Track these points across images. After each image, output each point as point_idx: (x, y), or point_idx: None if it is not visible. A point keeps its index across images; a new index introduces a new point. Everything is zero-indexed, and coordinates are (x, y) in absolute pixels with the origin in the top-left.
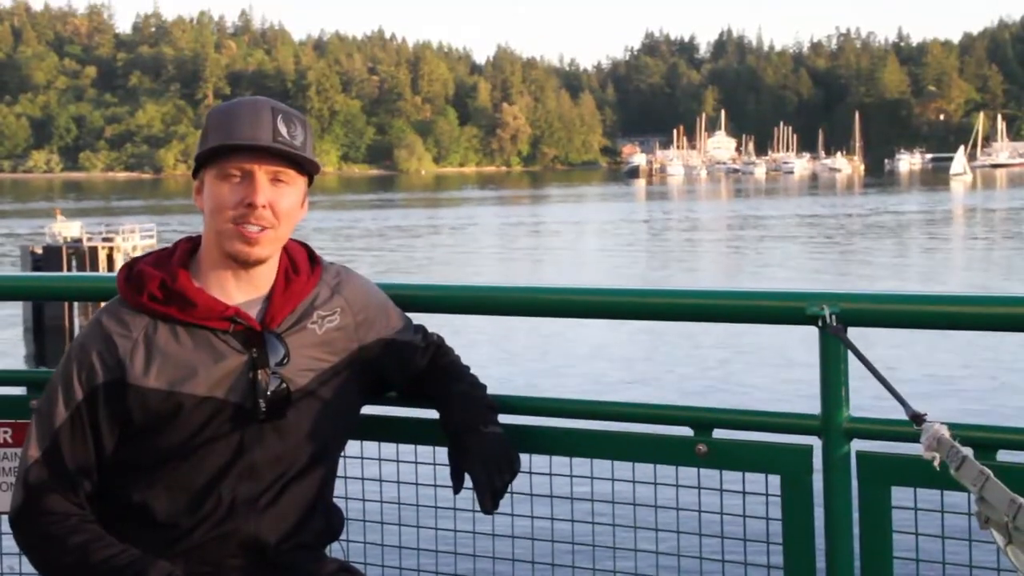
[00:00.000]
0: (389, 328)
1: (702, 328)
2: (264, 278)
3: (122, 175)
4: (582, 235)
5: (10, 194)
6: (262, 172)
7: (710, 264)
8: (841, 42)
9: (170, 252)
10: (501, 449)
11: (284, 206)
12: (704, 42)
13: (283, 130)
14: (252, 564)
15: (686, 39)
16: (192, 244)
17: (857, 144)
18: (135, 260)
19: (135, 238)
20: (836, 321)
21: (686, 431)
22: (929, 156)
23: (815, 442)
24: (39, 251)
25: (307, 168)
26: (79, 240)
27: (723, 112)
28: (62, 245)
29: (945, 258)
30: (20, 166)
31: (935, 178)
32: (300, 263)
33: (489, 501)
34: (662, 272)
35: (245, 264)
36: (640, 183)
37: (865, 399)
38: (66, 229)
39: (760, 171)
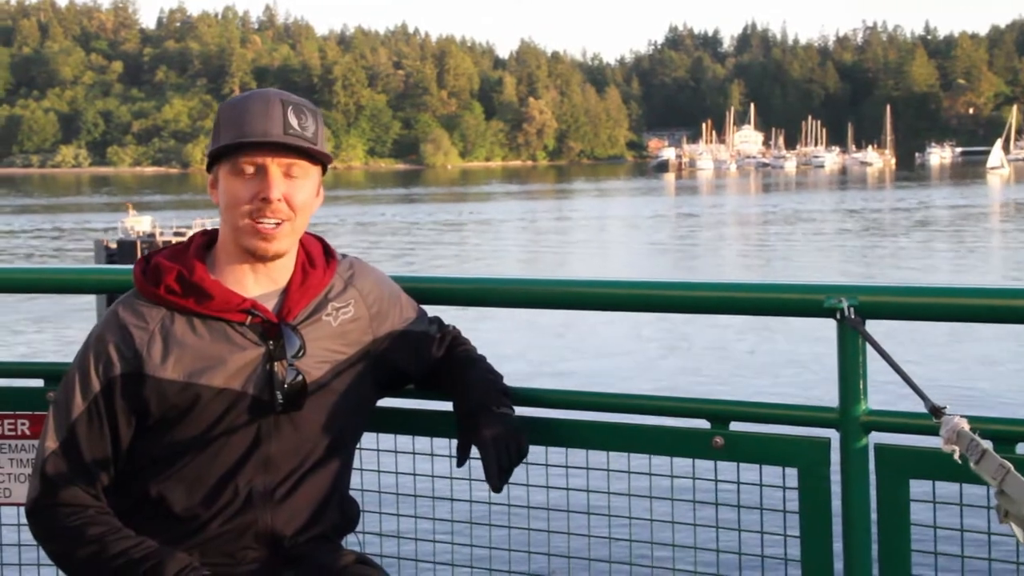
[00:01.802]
0: (403, 319)
1: (720, 320)
2: (281, 272)
3: (150, 170)
4: (617, 230)
5: (39, 189)
6: (275, 166)
7: (741, 258)
8: (867, 36)
9: (186, 246)
10: (512, 430)
11: (299, 199)
12: (728, 36)
13: (294, 122)
14: (269, 556)
15: (710, 33)
16: (207, 238)
17: (888, 138)
18: (151, 253)
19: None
20: (854, 314)
21: (703, 424)
22: (959, 150)
23: (833, 435)
24: (113, 246)
25: (320, 158)
26: (152, 234)
27: (752, 106)
28: (135, 240)
29: (987, 254)
30: (49, 160)
31: (969, 172)
32: (316, 256)
33: (497, 479)
34: (695, 263)
35: (263, 259)
36: (670, 177)
37: (883, 392)
38: (138, 224)
39: (790, 165)
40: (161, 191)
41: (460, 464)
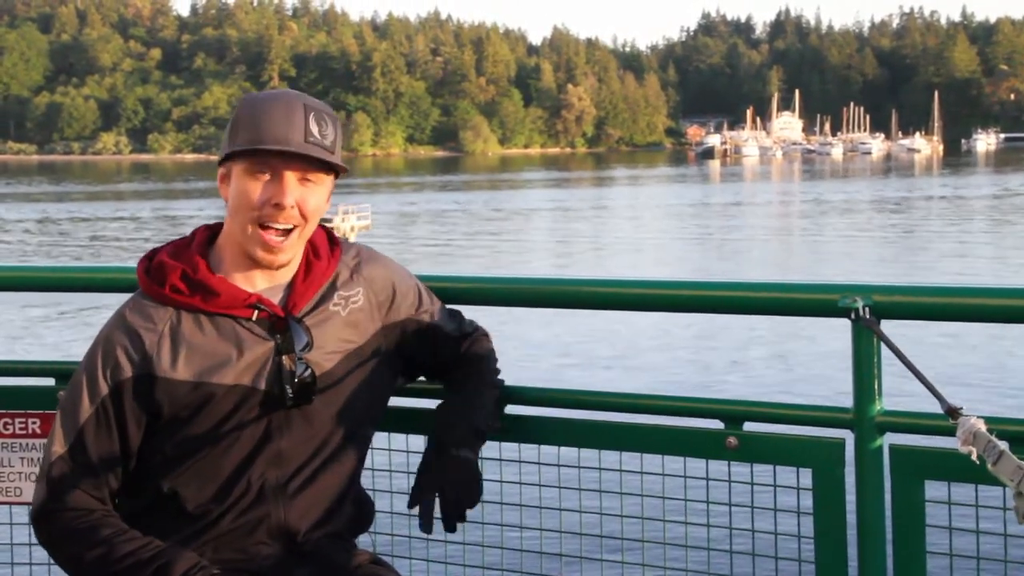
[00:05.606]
0: (420, 310)
1: (734, 320)
2: (286, 268)
3: (190, 157)
4: (672, 220)
5: (81, 176)
6: (291, 173)
7: (784, 253)
8: (904, 21)
9: (188, 241)
10: (465, 476)
11: (311, 205)
12: (761, 22)
13: (315, 130)
14: (282, 551)
15: (743, 19)
16: (210, 232)
17: (936, 124)
18: (154, 252)
19: (352, 219)
20: (869, 314)
21: (716, 424)
22: (1003, 136)
23: (847, 435)
24: None
25: (335, 169)
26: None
27: (796, 92)
28: None
29: None
30: (89, 148)
31: (1014, 159)
32: (320, 247)
33: (445, 523)
34: (739, 257)
35: (268, 268)
36: (715, 164)
37: (898, 392)
38: None
39: (837, 152)
40: (203, 177)
41: (411, 506)
